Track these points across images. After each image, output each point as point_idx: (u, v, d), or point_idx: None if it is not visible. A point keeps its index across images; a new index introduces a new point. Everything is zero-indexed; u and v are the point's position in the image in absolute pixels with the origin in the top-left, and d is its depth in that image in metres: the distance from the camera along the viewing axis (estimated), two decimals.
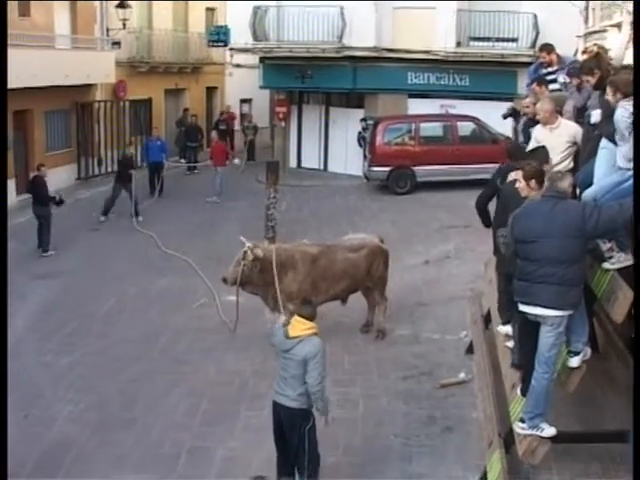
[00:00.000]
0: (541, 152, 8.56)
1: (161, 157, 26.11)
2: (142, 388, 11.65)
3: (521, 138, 10.82)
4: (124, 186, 22.80)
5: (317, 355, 8.11)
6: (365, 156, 27.78)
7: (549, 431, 7.18)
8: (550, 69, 11.36)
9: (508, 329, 8.81)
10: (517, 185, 7.51)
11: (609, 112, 7.27)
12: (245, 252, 12.35)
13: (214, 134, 27.41)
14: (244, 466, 9.45)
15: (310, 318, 8.36)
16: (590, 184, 7.53)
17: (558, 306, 6.84)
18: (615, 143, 7.10)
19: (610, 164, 7.29)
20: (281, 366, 8.41)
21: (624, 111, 6.82)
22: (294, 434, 8.43)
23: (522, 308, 7.11)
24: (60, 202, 19.68)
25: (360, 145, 28.43)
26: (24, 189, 23.99)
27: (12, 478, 9.12)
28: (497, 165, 11.16)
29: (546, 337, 6.97)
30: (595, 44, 11.83)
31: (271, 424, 10.30)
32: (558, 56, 11.51)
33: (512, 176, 8.65)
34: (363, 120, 28.33)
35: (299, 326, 8.28)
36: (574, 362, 7.42)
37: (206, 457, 9.36)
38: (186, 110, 33.96)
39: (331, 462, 9.15)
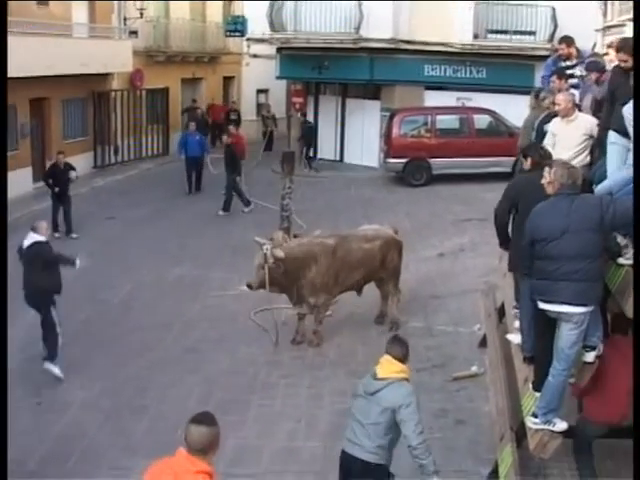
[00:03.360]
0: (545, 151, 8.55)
1: (200, 152, 25.72)
2: (155, 376, 11.69)
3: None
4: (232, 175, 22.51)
5: (411, 404, 6.94)
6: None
7: (561, 426, 7.15)
8: (569, 62, 11.28)
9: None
10: (543, 181, 7.37)
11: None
12: (265, 255, 12.05)
13: (232, 128, 26.84)
14: (256, 455, 9.48)
15: (401, 359, 7.22)
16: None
17: (583, 302, 6.71)
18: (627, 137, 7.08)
19: (621, 158, 7.25)
20: (360, 410, 7.17)
21: None
22: None
23: (543, 306, 6.97)
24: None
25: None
26: (41, 177, 24.14)
27: (24, 464, 9.24)
28: (513, 158, 11.11)
29: (569, 334, 6.85)
30: (620, 39, 11.71)
31: (284, 414, 10.37)
32: (577, 50, 11.42)
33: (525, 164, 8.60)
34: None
35: (390, 367, 7.15)
36: (590, 357, 7.36)
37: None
38: (194, 101, 33.72)
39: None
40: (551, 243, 6.77)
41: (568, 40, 11.52)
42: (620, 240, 7.03)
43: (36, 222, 12.33)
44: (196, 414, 5.27)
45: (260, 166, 28.34)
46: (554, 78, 10.65)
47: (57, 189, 19.56)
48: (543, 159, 8.04)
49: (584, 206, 6.76)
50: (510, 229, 8.53)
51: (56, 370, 11.79)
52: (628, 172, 7.01)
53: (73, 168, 19.96)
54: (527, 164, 8.50)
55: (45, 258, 11.80)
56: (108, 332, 13.48)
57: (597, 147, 8.60)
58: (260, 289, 12.45)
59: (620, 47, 7.67)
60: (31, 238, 11.93)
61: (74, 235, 19.58)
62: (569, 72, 11.05)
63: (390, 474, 7.24)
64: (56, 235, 19.44)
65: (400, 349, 7.27)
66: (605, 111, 8.28)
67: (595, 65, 10.01)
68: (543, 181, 7.28)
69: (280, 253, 12.07)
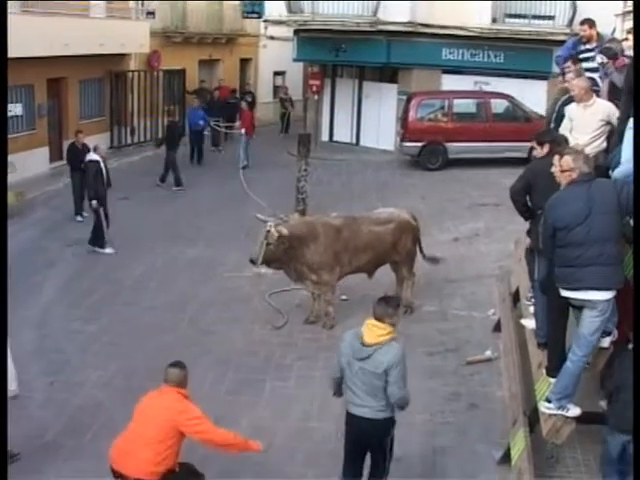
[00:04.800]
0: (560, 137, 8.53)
1: (201, 126, 26.68)
2: (169, 357, 11.59)
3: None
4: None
5: (399, 365, 7.16)
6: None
7: (574, 411, 7.16)
8: (589, 45, 11.18)
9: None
10: (553, 170, 7.35)
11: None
12: (268, 232, 12.10)
13: (244, 104, 28.05)
14: (269, 435, 9.48)
15: (382, 319, 7.30)
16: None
17: (608, 286, 6.73)
18: None
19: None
20: (357, 375, 7.34)
21: None
22: (379, 443, 7.55)
23: (566, 294, 6.94)
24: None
25: None
26: (57, 156, 24.19)
27: (40, 437, 9.30)
28: (530, 143, 11.05)
29: (592, 321, 6.83)
30: None
31: (297, 395, 10.38)
32: (598, 34, 11.31)
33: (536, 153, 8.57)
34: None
35: (375, 331, 7.26)
36: (606, 342, 7.38)
37: (232, 426, 9.35)
38: (202, 82, 33.14)
39: None
40: (574, 229, 6.74)
41: (590, 22, 11.38)
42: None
43: (98, 143, 18.07)
44: (171, 362, 7.59)
45: (276, 148, 28.46)
46: (569, 63, 10.57)
47: (70, 168, 19.46)
48: (558, 146, 8.00)
49: (602, 189, 6.79)
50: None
51: (107, 250, 16.60)
52: None
53: (89, 150, 19.87)
54: (541, 151, 8.46)
55: (89, 173, 16.66)
56: (122, 312, 13.53)
57: (615, 134, 8.55)
58: (264, 264, 12.60)
59: None
60: (89, 155, 17.00)
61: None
62: (587, 55, 10.97)
63: (394, 421, 7.52)
64: (78, 219, 19.28)
65: (380, 309, 7.36)
66: (624, 101, 8.23)
67: (607, 51, 9.93)
68: (553, 169, 7.25)
69: (284, 231, 12.17)
